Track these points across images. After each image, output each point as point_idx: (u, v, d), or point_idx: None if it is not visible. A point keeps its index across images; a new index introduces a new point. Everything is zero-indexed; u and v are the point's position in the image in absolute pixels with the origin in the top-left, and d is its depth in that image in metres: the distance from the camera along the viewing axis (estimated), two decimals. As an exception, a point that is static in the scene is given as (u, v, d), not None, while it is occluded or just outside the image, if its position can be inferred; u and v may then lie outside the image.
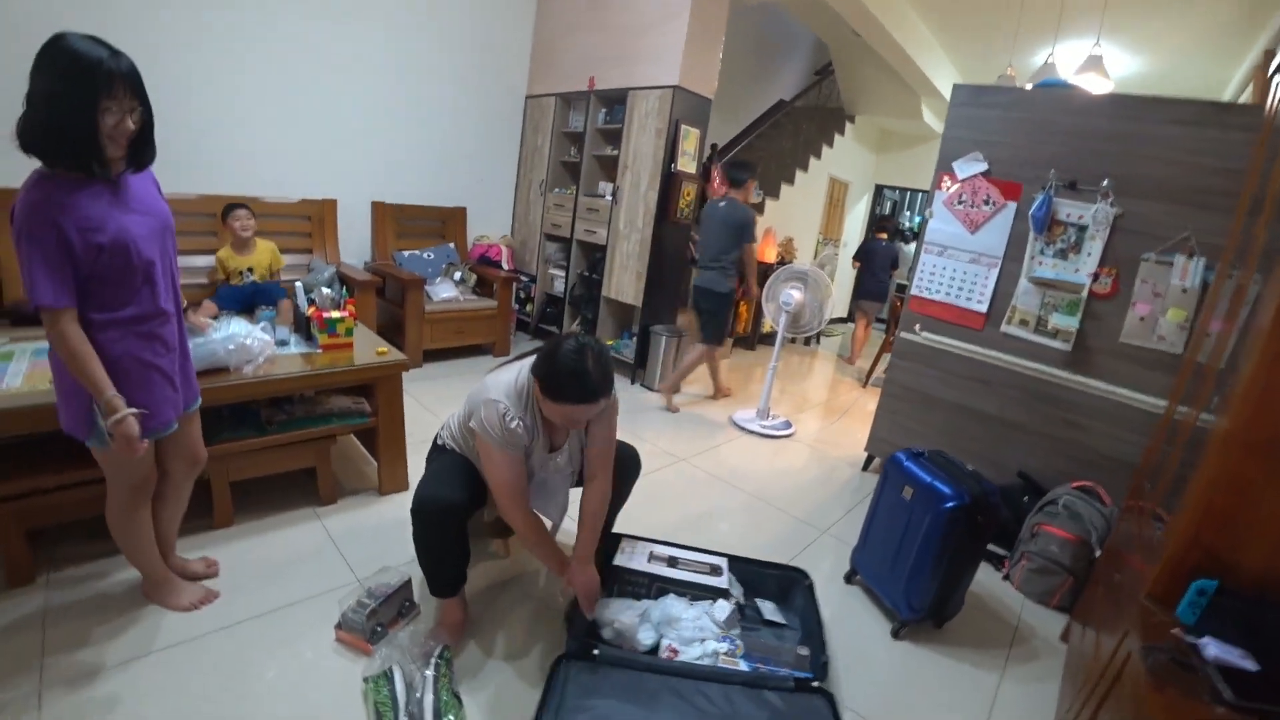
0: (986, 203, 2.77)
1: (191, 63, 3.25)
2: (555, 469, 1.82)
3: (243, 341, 2.04)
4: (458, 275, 4.29)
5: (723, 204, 3.60)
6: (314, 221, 3.76)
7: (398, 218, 4.21)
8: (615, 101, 4.09)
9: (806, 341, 6.38)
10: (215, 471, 2.08)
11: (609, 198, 4.10)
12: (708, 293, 3.65)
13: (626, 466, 1.99)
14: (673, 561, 2.06)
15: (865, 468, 3.33)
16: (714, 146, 5.12)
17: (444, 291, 4.12)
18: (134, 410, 1.40)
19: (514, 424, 1.63)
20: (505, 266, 4.60)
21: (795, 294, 3.57)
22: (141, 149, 1.43)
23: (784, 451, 3.47)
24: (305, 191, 3.74)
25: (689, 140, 3.78)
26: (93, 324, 1.39)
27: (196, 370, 1.92)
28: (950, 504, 1.91)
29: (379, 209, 4.07)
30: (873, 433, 3.23)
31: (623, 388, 4.11)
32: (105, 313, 1.41)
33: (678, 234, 4.01)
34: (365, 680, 1.57)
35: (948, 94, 6.32)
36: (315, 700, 1.55)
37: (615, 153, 4.07)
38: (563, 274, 4.58)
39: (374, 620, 1.75)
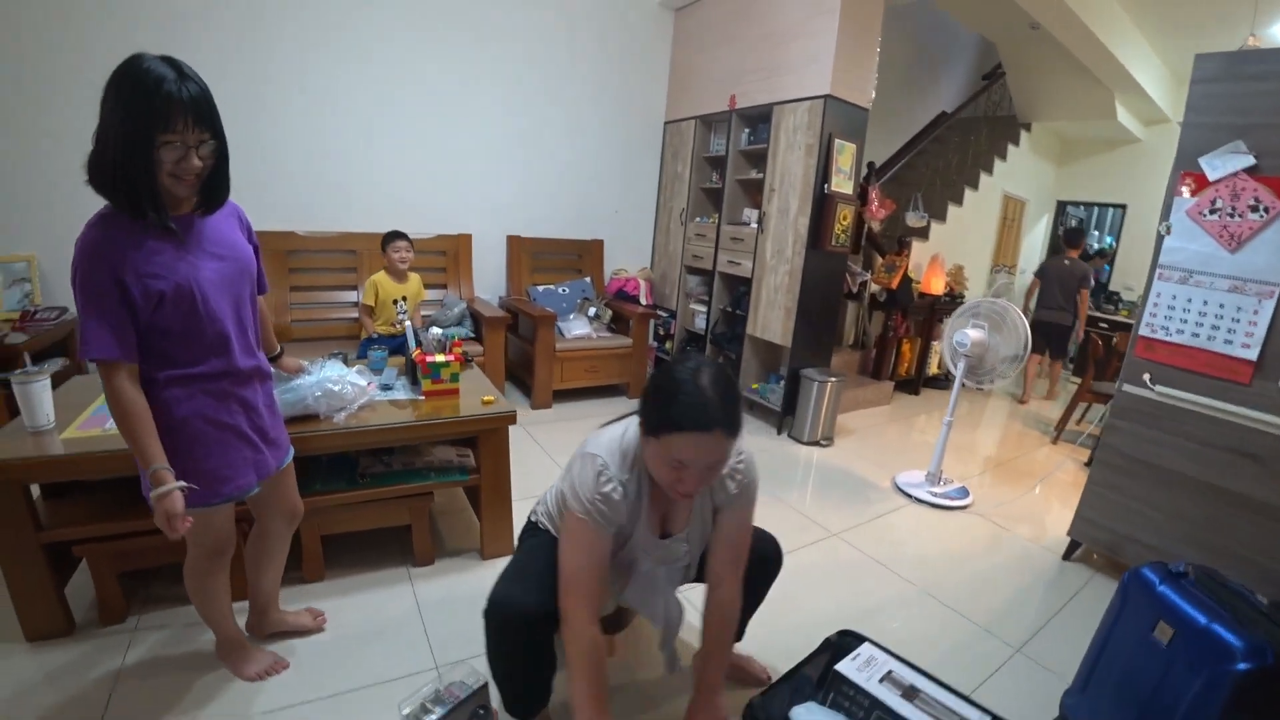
0: (1254, 209, 1.96)
1: (327, 101, 3.37)
2: (667, 558, 1.41)
3: (331, 388, 1.90)
4: (592, 311, 4.09)
5: (1066, 263, 4.75)
6: (449, 257, 3.76)
7: (533, 251, 4.13)
8: (759, 120, 3.69)
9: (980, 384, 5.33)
10: (306, 524, 1.92)
11: (754, 225, 3.67)
12: (1058, 326, 4.77)
13: (765, 561, 1.53)
14: (911, 693, 1.53)
15: (1068, 557, 2.53)
16: (871, 165, 4.51)
17: (577, 328, 3.94)
18: (181, 485, 1.22)
19: (609, 486, 1.25)
20: (643, 301, 4.35)
21: (973, 333, 2.87)
22: (213, 189, 1.28)
23: (959, 527, 2.75)
24: (440, 226, 3.76)
25: (844, 156, 3.26)
26: (156, 381, 1.24)
27: (286, 417, 1.81)
28: (1243, 665, 1.25)
29: (514, 243, 4.01)
30: (1080, 512, 2.45)
31: (767, 438, 3.60)
32: (171, 369, 1.26)
33: (833, 264, 3.46)
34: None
35: (1149, 87, 5.27)
36: None
37: (760, 176, 3.65)
38: (704, 309, 4.21)
39: (434, 730, 1.46)
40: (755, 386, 3.84)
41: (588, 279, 4.26)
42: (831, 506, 2.83)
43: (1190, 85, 2.12)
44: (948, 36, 6.45)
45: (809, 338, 3.53)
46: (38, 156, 2.80)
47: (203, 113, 1.17)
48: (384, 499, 2.05)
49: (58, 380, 2.00)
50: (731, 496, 1.37)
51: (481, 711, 1.55)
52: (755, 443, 3.50)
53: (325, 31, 3.30)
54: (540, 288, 4.04)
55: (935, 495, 2.93)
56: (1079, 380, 4.50)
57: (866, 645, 1.63)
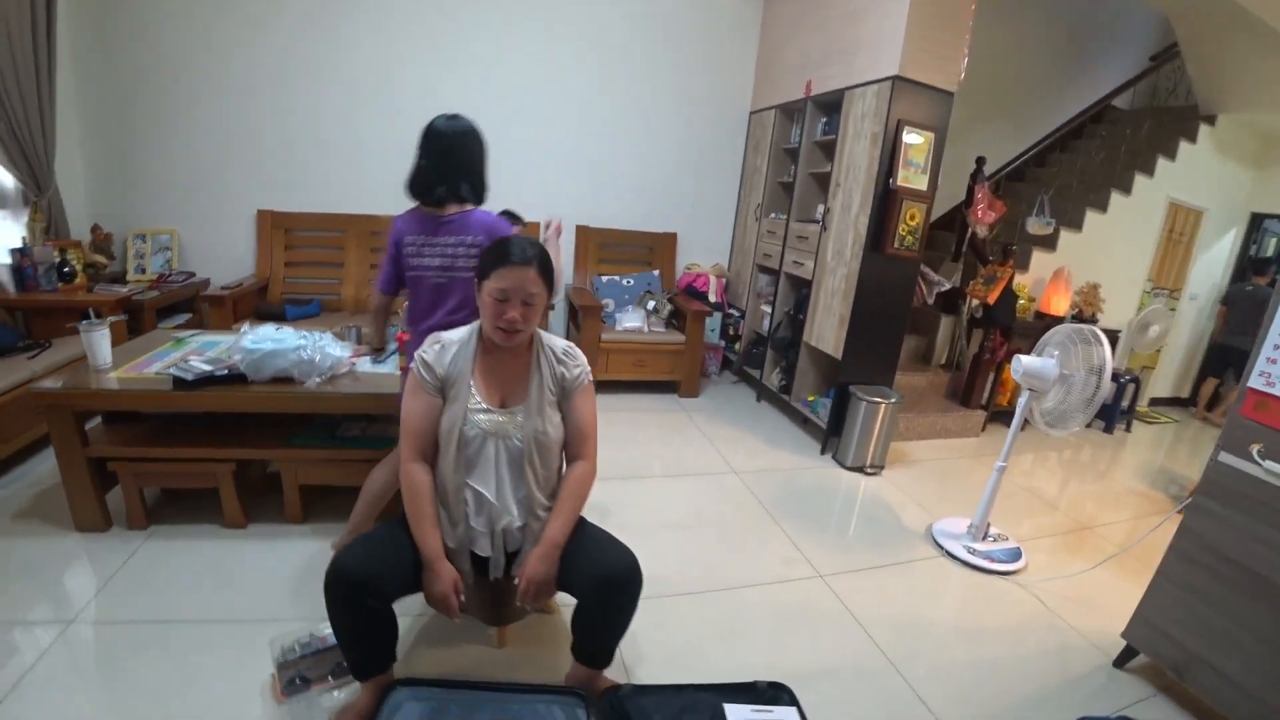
0: None
1: (400, 85, 3.70)
2: (502, 431, 1.50)
3: (304, 356, 2.14)
4: (651, 305, 4.06)
5: (1249, 288, 4.36)
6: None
7: (600, 242, 4.19)
8: (833, 108, 3.34)
9: (1107, 426, 4.27)
10: (285, 471, 2.23)
11: (819, 222, 3.36)
12: (1244, 353, 3.64)
13: (615, 577, 1.46)
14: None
15: (1121, 664, 1.97)
16: (980, 161, 3.84)
17: (629, 321, 3.94)
18: None
19: (434, 348, 1.53)
20: (713, 299, 4.22)
21: (1040, 363, 2.34)
22: None
23: (988, 596, 2.29)
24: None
25: (916, 148, 2.83)
26: None
27: (266, 378, 2.10)
28: None
29: (582, 233, 4.10)
30: (1141, 612, 1.90)
31: (807, 456, 3.32)
32: None
33: (895, 270, 3.05)
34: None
35: None
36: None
37: (830, 169, 3.33)
38: (771, 311, 3.97)
39: (295, 670, 1.61)
40: (811, 399, 3.54)
41: (655, 272, 4.22)
42: (834, 544, 2.53)
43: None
44: (1108, 12, 5.21)
45: (865, 351, 3.16)
46: (181, 148, 3.52)
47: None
48: (357, 460, 2.25)
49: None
50: (573, 380, 1.57)
51: (341, 666, 1.68)
52: (789, 459, 3.25)
53: (398, 21, 3.64)
54: (605, 278, 4.09)
55: (972, 552, 2.48)
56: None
57: (788, 711, 1.54)
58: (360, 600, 1.38)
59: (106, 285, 3.19)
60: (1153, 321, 4.37)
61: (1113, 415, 4.22)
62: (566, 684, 1.59)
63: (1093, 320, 4.13)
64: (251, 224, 3.75)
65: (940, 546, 2.55)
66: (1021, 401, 2.43)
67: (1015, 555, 2.50)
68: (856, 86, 3.05)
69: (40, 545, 2.07)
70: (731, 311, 4.30)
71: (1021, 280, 4.11)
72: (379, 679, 1.53)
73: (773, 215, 3.93)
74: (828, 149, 3.46)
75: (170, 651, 1.70)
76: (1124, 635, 1.94)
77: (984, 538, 2.55)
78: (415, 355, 1.54)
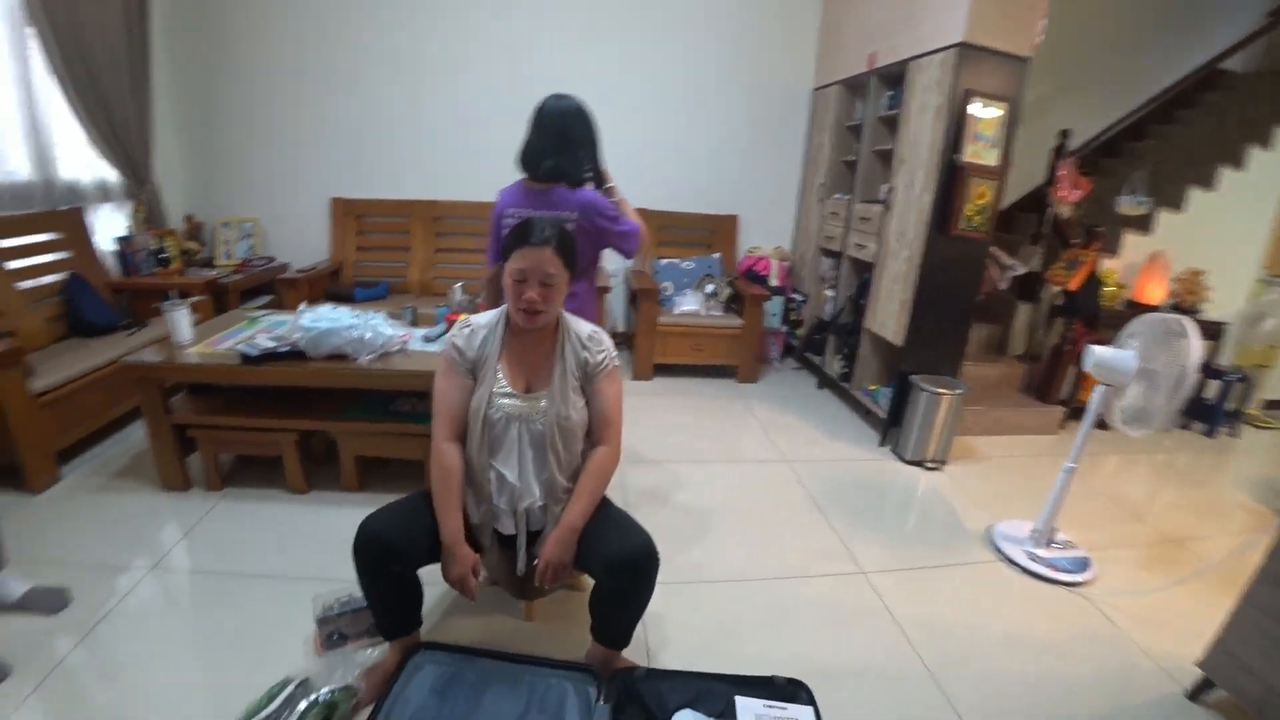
0: None
1: (461, 73, 3.80)
2: (527, 414, 1.52)
3: (356, 334, 2.25)
4: (709, 288, 4.00)
5: None
6: (573, 228, 4.00)
7: (661, 225, 4.15)
8: (897, 81, 3.12)
9: (1210, 430, 3.74)
10: (342, 442, 2.37)
11: (882, 202, 3.19)
12: None
13: (630, 559, 1.45)
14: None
15: (1195, 697, 1.75)
16: (1064, 134, 3.47)
17: (686, 304, 3.90)
18: None
19: (464, 331, 1.56)
20: (774, 283, 4.10)
21: (1115, 354, 2.10)
22: None
23: (1049, 608, 2.10)
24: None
25: (986, 119, 2.61)
26: None
27: (323, 354, 2.23)
28: None
29: (642, 216, 4.02)
30: (1221, 638, 1.68)
31: (864, 448, 3.18)
32: None
33: (961, 253, 2.83)
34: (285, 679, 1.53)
35: None
36: (241, 669, 1.63)
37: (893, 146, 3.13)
38: (834, 295, 3.81)
39: (334, 627, 1.71)
40: (872, 388, 3.38)
41: (716, 255, 4.15)
42: (882, 540, 2.41)
43: None
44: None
45: (928, 339, 2.98)
46: (262, 142, 3.82)
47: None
48: (409, 434, 2.36)
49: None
50: (596, 366, 1.56)
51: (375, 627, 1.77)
52: (844, 450, 3.12)
53: (460, 11, 3.76)
54: (664, 261, 4.06)
55: (1034, 558, 2.30)
56: None
57: (803, 710, 1.51)
58: (384, 565, 1.45)
59: (197, 269, 3.49)
60: (1268, 314, 3.83)
61: (1216, 417, 3.70)
62: (585, 662, 1.61)
63: (1193, 311, 3.66)
64: (325, 211, 3.99)
65: (999, 550, 2.38)
66: (1095, 397, 2.21)
67: (1082, 565, 2.29)
68: (920, 56, 2.85)
69: (133, 501, 2.32)
70: (794, 296, 4.16)
71: (1111, 265, 3.72)
72: (405, 640, 1.61)
73: (836, 196, 3.76)
74: (892, 125, 3.25)
75: (231, 600, 1.88)
76: (1200, 664, 1.73)
77: (1048, 544, 2.35)
78: (447, 337, 1.59)
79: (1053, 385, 3.39)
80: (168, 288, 3.14)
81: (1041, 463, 3.13)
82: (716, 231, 4.23)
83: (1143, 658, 1.91)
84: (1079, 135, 3.86)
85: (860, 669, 1.77)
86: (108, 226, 3.24)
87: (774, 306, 4.20)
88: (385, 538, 1.44)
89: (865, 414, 3.45)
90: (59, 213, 2.93)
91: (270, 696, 1.46)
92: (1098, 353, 2.12)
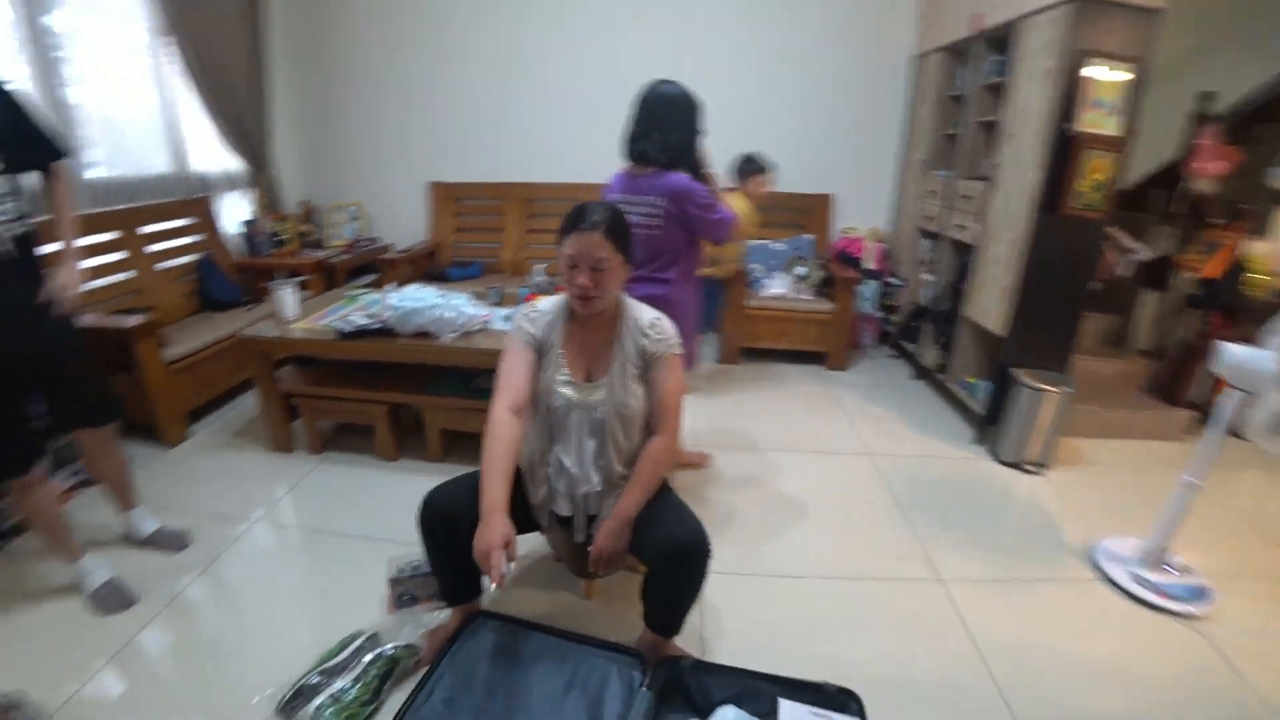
0: None
1: (553, 56, 3.85)
2: (585, 401, 1.53)
3: (440, 314, 2.37)
4: (800, 270, 3.85)
5: None
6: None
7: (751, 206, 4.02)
8: (1005, 45, 2.80)
9: None
10: (427, 415, 2.52)
11: (985, 179, 2.91)
12: None
13: (681, 548, 1.44)
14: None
15: None
16: (1206, 97, 2.96)
17: (774, 287, 3.78)
18: None
19: (532, 314, 1.58)
20: (869, 265, 3.89)
21: (1250, 354, 1.79)
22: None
23: (1160, 640, 1.85)
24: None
25: (1105, 84, 2.29)
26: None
27: (410, 332, 2.36)
28: None
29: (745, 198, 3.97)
30: None
31: (954, 445, 2.95)
32: None
33: (1073, 234, 2.51)
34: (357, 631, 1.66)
35: None
36: (322, 617, 1.81)
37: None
38: (934, 279, 3.55)
39: (405, 588, 1.83)
40: (970, 381, 3.14)
41: (808, 236, 3.98)
42: (965, 547, 2.23)
43: None
44: None
45: (1034, 329, 2.70)
46: (367, 130, 4.08)
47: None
48: (487, 410, 2.46)
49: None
50: (655, 354, 1.53)
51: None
52: (934, 446, 2.92)
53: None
54: (753, 242, 3.94)
55: (1140, 581, 2.05)
56: None
57: None
58: (444, 534, 1.52)
59: (310, 250, 3.80)
60: None
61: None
62: (635, 646, 1.62)
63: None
64: (424, 194, 4.20)
65: (1100, 569, 2.13)
66: (1226, 402, 1.92)
67: (1199, 594, 2.01)
68: (1030, 15, 2.54)
69: (246, 459, 2.59)
70: (890, 280, 3.93)
71: (1262, 249, 3.17)
72: (466, 606, 1.69)
73: (936, 173, 3.48)
74: (999, 93, 2.94)
75: (320, 554, 2.08)
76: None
77: (1160, 566, 2.09)
78: (515, 318, 1.62)
79: (1181, 385, 2.98)
80: (283, 268, 3.47)
81: (1160, 473, 2.77)
82: (809, 211, 4.05)
83: (1263, 710, 1.65)
84: (1226, 98, 3.31)
85: (922, 684, 1.67)
86: (233, 212, 3.60)
87: (868, 291, 3.99)
88: (446, 510, 1.51)
89: (961, 409, 3.21)
90: (191, 201, 3.30)
91: (342, 646, 1.59)
92: (1230, 351, 1.84)
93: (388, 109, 4.06)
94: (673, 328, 1.58)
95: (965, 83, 3.23)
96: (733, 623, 1.84)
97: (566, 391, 1.53)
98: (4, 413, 1.59)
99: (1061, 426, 2.69)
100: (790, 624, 1.85)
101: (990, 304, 2.86)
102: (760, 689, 1.50)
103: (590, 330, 1.56)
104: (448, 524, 1.50)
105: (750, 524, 2.31)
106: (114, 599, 1.78)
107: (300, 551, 2.11)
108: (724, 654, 1.70)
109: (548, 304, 1.60)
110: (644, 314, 1.57)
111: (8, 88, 1.57)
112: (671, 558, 1.44)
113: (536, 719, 1.40)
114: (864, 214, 4.08)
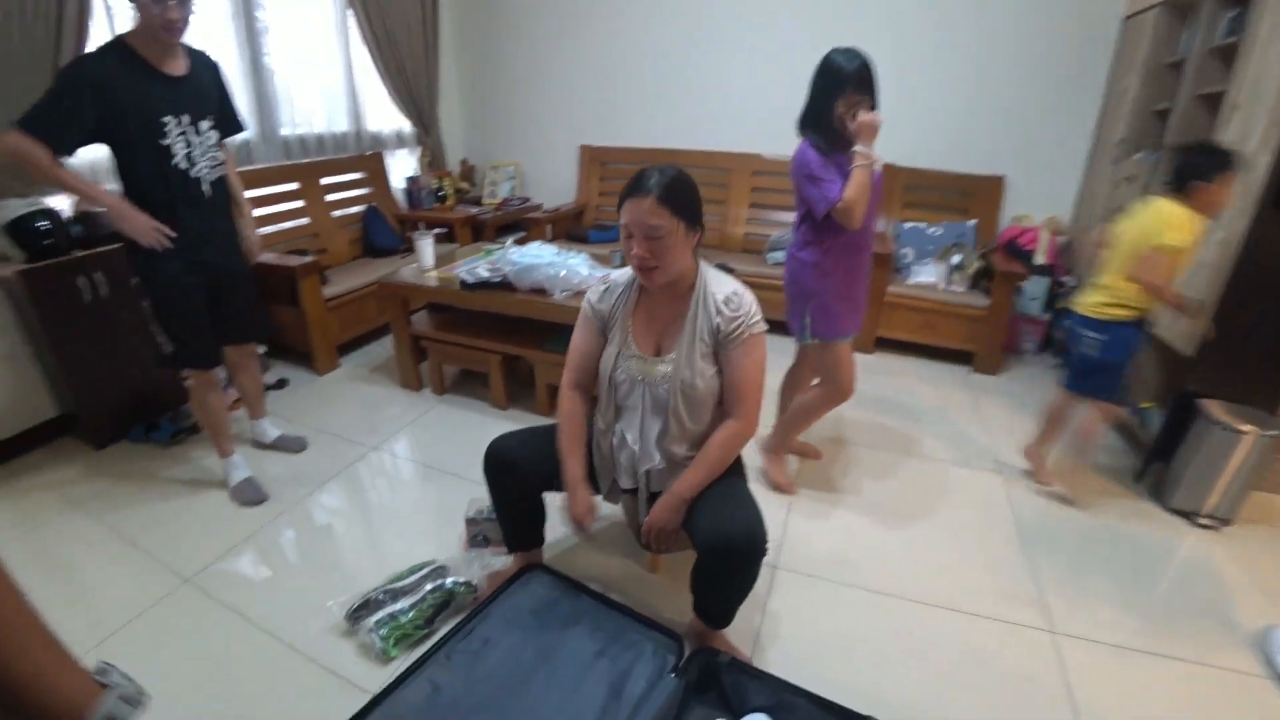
0: None
1: (703, 22, 3.76)
2: (650, 375, 1.49)
3: (554, 272, 2.46)
4: (955, 259, 3.44)
5: None
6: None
7: (908, 184, 3.68)
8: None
9: None
10: (538, 369, 2.63)
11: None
12: None
13: (730, 541, 1.38)
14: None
15: None
16: None
17: (923, 275, 3.43)
18: None
19: (601, 289, 1.58)
20: (1041, 259, 3.39)
21: None
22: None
23: None
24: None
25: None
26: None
27: (527, 287, 2.50)
28: None
29: (888, 172, 3.55)
30: None
31: (1115, 480, 2.49)
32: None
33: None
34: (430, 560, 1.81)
35: None
36: (407, 540, 2.00)
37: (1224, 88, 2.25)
38: (1118, 284, 3.00)
39: (480, 529, 1.95)
40: (1145, 406, 2.64)
41: (971, 222, 3.54)
42: (1096, 600, 1.87)
43: None
44: None
45: (1236, 353, 2.18)
46: (526, 92, 4.30)
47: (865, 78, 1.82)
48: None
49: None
50: (729, 333, 1.43)
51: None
52: (1083, 476, 2.45)
53: None
54: (908, 224, 3.60)
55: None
56: None
57: None
58: (506, 482, 1.60)
59: (467, 206, 4.10)
60: None
61: None
62: (683, 631, 1.58)
63: None
64: (575, 157, 4.34)
65: (1272, 664, 1.71)
66: None
67: None
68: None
69: (379, 392, 2.92)
70: (1065, 280, 3.39)
71: None
72: (526, 555, 1.77)
73: (1138, 156, 2.89)
74: (1228, 59, 2.35)
75: (424, 487, 2.31)
76: None
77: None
78: (588, 291, 1.62)
79: None
80: (440, 221, 3.79)
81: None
82: (975, 194, 3.59)
83: None
84: None
85: (990, 735, 1.46)
86: (401, 168, 3.99)
87: (1035, 289, 3.47)
88: (506, 458, 1.58)
89: (1129, 437, 2.71)
90: (365, 157, 3.72)
91: (412, 571, 1.75)
92: None
93: (547, 72, 4.23)
94: (753, 303, 1.46)
95: (1188, 44, 2.63)
96: (795, 627, 1.73)
97: (632, 364, 1.50)
98: (204, 314, 1.98)
99: (1255, 478, 2.17)
100: (858, 642, 1.70)
101: (1181, 317, 2.35)
102: (798, 705, 1.39)
103: (662, 302, 1.49)
104: (506, 470, 1.58)
105: (849, 527, 2.15)
106: (250, 493, 2.13)
107: (404, 480, 2.36)
108: (775, 659, 1.62)
109: (618, 276, 1.57)
110: (722, 287, 1.46)
111: (221, 70, 2.00)
112: (718, 550, 1.38)
113: (559, 677, 1.44)
114: (1041, 201, 3.52)
